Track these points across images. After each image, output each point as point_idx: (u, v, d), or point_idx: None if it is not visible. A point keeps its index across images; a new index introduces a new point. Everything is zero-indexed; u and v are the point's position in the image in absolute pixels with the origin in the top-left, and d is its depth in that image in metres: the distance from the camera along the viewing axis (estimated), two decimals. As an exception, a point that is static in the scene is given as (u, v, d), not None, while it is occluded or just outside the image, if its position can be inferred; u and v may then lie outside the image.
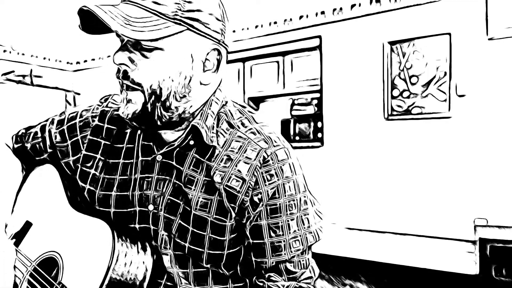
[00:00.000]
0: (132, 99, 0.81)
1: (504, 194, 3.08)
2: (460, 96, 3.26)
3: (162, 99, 0.81)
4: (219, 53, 0.85)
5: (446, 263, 3.30)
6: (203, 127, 0.85)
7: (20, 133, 1.08)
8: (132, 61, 0.80)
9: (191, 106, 0.86)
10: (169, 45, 0.79)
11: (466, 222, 3.23)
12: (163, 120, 0.84)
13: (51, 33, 5.82)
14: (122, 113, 0.83)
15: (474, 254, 3.20)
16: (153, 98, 0.81)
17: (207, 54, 0.84)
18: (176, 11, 0.78)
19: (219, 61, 0.86)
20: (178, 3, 0.78)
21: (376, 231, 3.64)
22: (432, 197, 3.37)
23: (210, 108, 0.88)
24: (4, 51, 5.36)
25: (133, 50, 0.80)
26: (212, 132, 0.87)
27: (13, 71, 5.39)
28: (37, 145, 1.03)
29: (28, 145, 1.04)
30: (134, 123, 0.85)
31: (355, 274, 3.86)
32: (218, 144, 0.87)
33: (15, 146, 1.06)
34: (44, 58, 5.78)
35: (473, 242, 3.21)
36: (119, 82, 0.83)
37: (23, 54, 5.53)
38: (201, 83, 0.85)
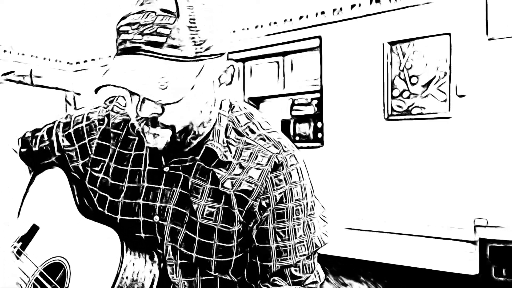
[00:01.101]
0: (159, 133, 0.79)
1: (504, 194, 3.08)
2: (460, 96, 3.26)
3: (193, 131, 0.82)
4: (233, 66, 0.84)
5: (446, 263, 3.30)
6: (217, 147, 0.85)
7: (26, 136, 1.06)
8: (162, 108, 0.76)
9: (211, 125, 0.87)
10: (195, 82, 0.76)
11: (466, 222, 3.23)
12: (191, 146, 0.85)
13: (51, 33, 5.82)
14: (153, 147, 0.81)
15: (474, 254, 3.20)
16: (184, 133, 0.81)
17: (224, 71, 0.83)
18: (195, 48, 0.72)
19: (232, 75, 0.84)
20: (193, 38, 0.72)
21: (376, 231, 3.64)
22: (432, 197, 3.37)
23: (220, 124, 0.88)
24: (4, 51, 5.36)
25: None
26: (224, 146, 0.87)
27: (13, 71, 5.38)
28: (44, 148, 1.02)
29: (36, 149, 1.03)
30: (161, 153, 0.85)
31: (355, 275, 3.86)
32: (230, 156, 0.87)
33: (22, 150, 1.05)
34: (44, 58, 5.78)
35: (473, 243, 3.21)
36: (140, 125, 0.79)
37: (23, 54, 5.53)
38: (220, 98, 0.87)
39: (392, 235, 3.56)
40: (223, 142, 0.87)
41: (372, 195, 3.67)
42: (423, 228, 3.41)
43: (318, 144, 4.03)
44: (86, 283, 0.84)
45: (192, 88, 0.74)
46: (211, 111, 0.84)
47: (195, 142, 0.85)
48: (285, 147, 0.88)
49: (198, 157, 0.86)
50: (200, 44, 0.72)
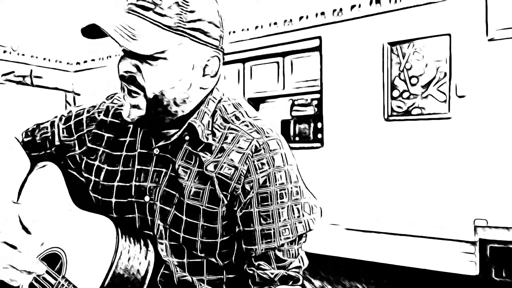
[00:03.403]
0: (137, 104, 0.84)
1: (504, 194, 3.08)
2: (460, 97, 3.26)
3: (164, 104, 0.85)
4: (218, 59, 0.89)
5: (446, 264, 3.30)
6: (199, 125, 0.89)
7: (30, 128, 1.12)
8: (138, 68, 0.82)
9: (188, 109, 0.90)
10: (172, 55, 0.82)
11: (466, 223, 3.23)
12: (166, 121, 0.88)
13: (51, 33, 5.82)
14: (127, 117, 0.86)
15: (474, 255, 3.20)
16: (154, 103, 0.84)
17: (208, 60, 0.87)
18: (178, 23, 0.80)
19: (218, 68, 0.90)
20: (180, 14, 0.80)
21: (376, 232, 3.64)
22: (432, 198, 3.37)
23: (207, 107, 0.91)
24: (4, 51, 5.37)
25: (138, 58, 0.82)
26: (208, 130, 0.90)
27: (13, 72, 5.39)
28: (46, 139, 1.07)
29: (37, 138, 1.08)
30: (138, 125, 0.89)
31: (355, 275, 3.86)
32: (213, 140, 0.90)
33: (25, 139, 1.10)
34: (44, 59, 5.78)
35: (473, 243, 3.21)
36: (123, 86, 0.85)
37: (23, 55, 5.54)
38: (200, 88, 0.89)
39: (392, 235, 3.56)
40: (208, 125, 0.91)
41: (372, 195, 3.67)
42: (423, 229, 3.41)
43: (318, 144, 4.03)
44: (83, 271, 0.86)
45: (164, 56, 0.81)
46: (186, 93, 0.87)
47: (168, 119, 0.88)
48: (267, 132, 0.91)
49: (180, 132, 0.89)
50: (184, 21, 0.81)
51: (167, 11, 0.79)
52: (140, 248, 0.87)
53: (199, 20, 0.83)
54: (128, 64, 0.82)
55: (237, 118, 0.93)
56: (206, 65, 0.87)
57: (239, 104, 0.97)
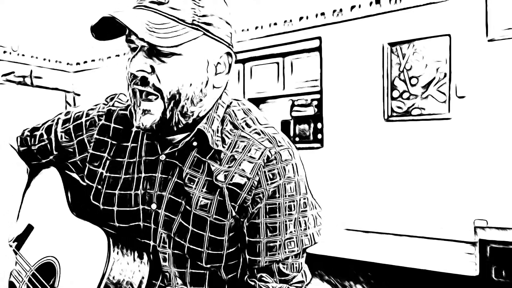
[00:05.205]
0: (150, 109, 0.81)
1: (504, 195, 3.08)
2: (460, 97, 3.26)
3: (181, 104, 0.82)
4: (230, 56, 0.87)
5: (446, 264, 3.30)
6: (209, 131, 0.86)
7: (24, 135, 1.07)
8: (151, 67, 0.80)
9: (204, 109, 0.87)
10: (187, 50, 0.80)
11: (466, 224, 3.23)
12: (180, 126, 0.85)
13: (51, 34, 5.83)
14: (139, 125, 0.82)
15: (474, 255, 3.20)
16: (172, 104, 0.81)
17: (220, 57, 0.85)
18: (193, 16, 0.79)
19: (230, 64, 0.87)
20: (194, 8, 0.79)
21: (376, 232, 3.64)
22: (432, 198, 3.37)
23: (216, 112, 0.89)
24: (4, 52, 5.37)
25: (149, 56, 0.79)
26: (217, 136, 0.88)
27: (13, 72, 5.39)
28: (43, 147, 1.03)
29: (34, 148, 1.04)
30: (150, 133, 0.86)
31: (355, 276, 3.86)
32: (223, 147, 0.87)
33: (21, 149, 1.06)
34: (44, 59, 5.78)
35: (473, 244, 3.21)
36: (133, 89, 0.82)
37: (23, 55, 5.54)
38: (214, 87, 0.87)
39: (392, 236, 3.56)
40: (218, 131, 0.88)
41: (372, 196, 3.67)
42: (424, 230, 3.41)
43: (318, 145, 4.04)
44: (76, 283, 0.84)
45: (180, 52, 0.79)
46: (203, 91, 0.84)
47: (184, 121, 0.84)
48: (279, 142, 0.88)
49: (189, 137, 0.87)
50: (198, 15, 0.80)
51: (181, 5, 0.78)
52: (134, 260, 0.85)
53: (212, 15, 0.81)
54: (142, 62, 0.79)
55: (247, 125, 0.90)
56: (219, 62, 0.85)
57: (249, 109, 0.94)
